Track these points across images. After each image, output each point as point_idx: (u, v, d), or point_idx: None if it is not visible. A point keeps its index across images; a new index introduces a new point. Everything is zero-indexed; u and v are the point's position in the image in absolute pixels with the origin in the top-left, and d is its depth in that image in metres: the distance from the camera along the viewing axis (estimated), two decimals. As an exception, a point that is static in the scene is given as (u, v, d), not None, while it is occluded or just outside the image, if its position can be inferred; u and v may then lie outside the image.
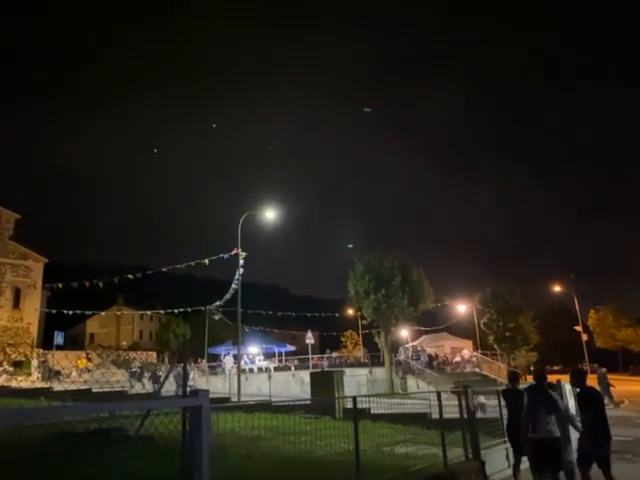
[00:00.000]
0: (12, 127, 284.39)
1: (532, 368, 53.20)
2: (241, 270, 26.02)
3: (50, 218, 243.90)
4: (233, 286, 29.29)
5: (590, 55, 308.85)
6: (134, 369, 32.04)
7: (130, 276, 33.42)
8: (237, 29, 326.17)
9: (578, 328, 54.95)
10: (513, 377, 9.18)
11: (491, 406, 10.51)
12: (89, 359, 41.30)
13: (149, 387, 24.55)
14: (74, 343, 65.50)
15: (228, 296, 32.16)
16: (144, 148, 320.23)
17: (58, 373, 31.33)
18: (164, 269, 35.18)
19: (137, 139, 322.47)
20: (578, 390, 7.51)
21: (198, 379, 32.45)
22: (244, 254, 25.74)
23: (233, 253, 26.18)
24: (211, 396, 3.26)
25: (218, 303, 35.92)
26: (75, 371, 35.21)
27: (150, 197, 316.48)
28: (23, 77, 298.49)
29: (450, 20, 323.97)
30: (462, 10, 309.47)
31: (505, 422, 9.48)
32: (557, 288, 58.87)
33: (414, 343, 45.41)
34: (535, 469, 7.39)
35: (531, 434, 7.22)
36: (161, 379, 25.12)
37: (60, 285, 35.89)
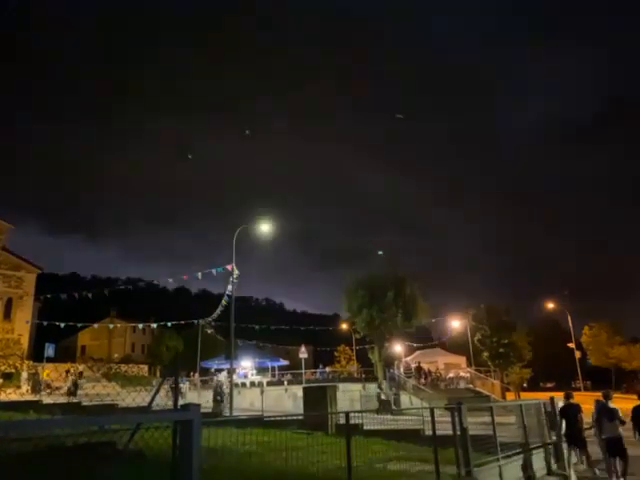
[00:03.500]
0: (8, 136, 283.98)
1: (525, 385, 53.15)
2: (233, 285, 25.86)
3: (45, 230, 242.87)
4: (223, 302, 29.00)
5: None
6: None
7: (121, 287, 33.26)
8: (237, 43, 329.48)
9: (571, 345, 54.95)
10: (569, 396, 12.58)
11: (478, 423, 10.48)
12: (78, 373, 40.71)
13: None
14: (65, 355, 64.75)
15: (218, 312, 31.74)
16: (140, 162, 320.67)
17: (48, 386, 30.99)
18: (155, 281, 34.95)
19: (131, 152, 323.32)
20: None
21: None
22: (236, 272, 25.51)
23: (225, 268, 26.08)
24: (202, 410, 3.24)
25: (210, 318, 35.56)
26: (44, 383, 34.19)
27: (145, 209, 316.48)
28: (24, 81, 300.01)
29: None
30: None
31: (498, 439, 9.80)
32: (550, 305, 58.99)
33: (408, 359, 45.25)
34: (609, 457, 10.81)
35: (602, 435, 10.96)
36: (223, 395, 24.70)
37: (49, 296, 35.64)
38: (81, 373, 40.39)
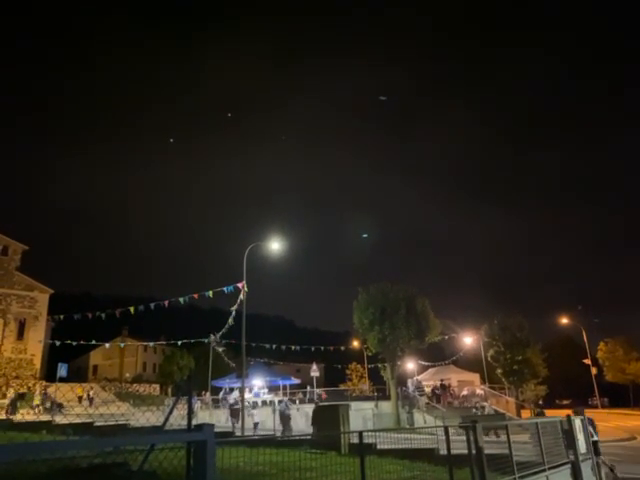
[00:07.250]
0: (18, 158, 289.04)
1: (541, 402, 52.27)
2: (240, 302, 25.79)
3: (57, 250, 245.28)
4: (230, 320, 28.84)
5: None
6: (235, 405, 27.78)
7: (131, 309, 33.31)
8: (239, 58, 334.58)
9: (587, 361, 54.08)
10: None
11: (493, 442, 10.31)
12: (89, 398, 40.38)
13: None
14: (77, 375, 64.99)
15: (224, 330, 31.45)
16: (147, 181, 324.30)
17: (60, 406, 30.98)
18: (166, 302, 34.80)
19: (140, 173, 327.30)
20: None
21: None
22: (246, 290, 25.44)
23: (235, 286, 26.09)
24: (215, 430, 3.24)
25: (216, 338, 35.29)
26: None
27: (156, 229, 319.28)
28: (26, 105, 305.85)
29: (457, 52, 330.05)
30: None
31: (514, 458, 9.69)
32: (565, 320, 58.21)
33: (420, 377, 44.77)
34: None
35: None
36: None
37: (62, 317, 35.77)
38: (92, 399, 39.86)
